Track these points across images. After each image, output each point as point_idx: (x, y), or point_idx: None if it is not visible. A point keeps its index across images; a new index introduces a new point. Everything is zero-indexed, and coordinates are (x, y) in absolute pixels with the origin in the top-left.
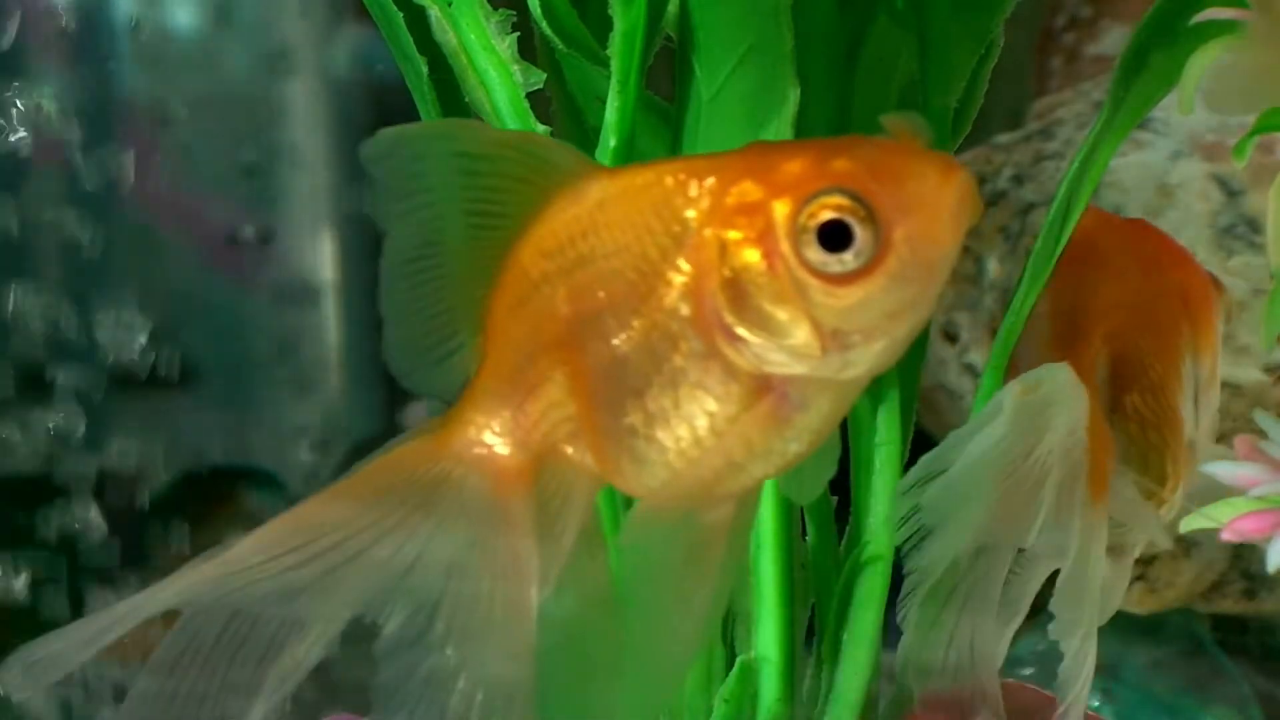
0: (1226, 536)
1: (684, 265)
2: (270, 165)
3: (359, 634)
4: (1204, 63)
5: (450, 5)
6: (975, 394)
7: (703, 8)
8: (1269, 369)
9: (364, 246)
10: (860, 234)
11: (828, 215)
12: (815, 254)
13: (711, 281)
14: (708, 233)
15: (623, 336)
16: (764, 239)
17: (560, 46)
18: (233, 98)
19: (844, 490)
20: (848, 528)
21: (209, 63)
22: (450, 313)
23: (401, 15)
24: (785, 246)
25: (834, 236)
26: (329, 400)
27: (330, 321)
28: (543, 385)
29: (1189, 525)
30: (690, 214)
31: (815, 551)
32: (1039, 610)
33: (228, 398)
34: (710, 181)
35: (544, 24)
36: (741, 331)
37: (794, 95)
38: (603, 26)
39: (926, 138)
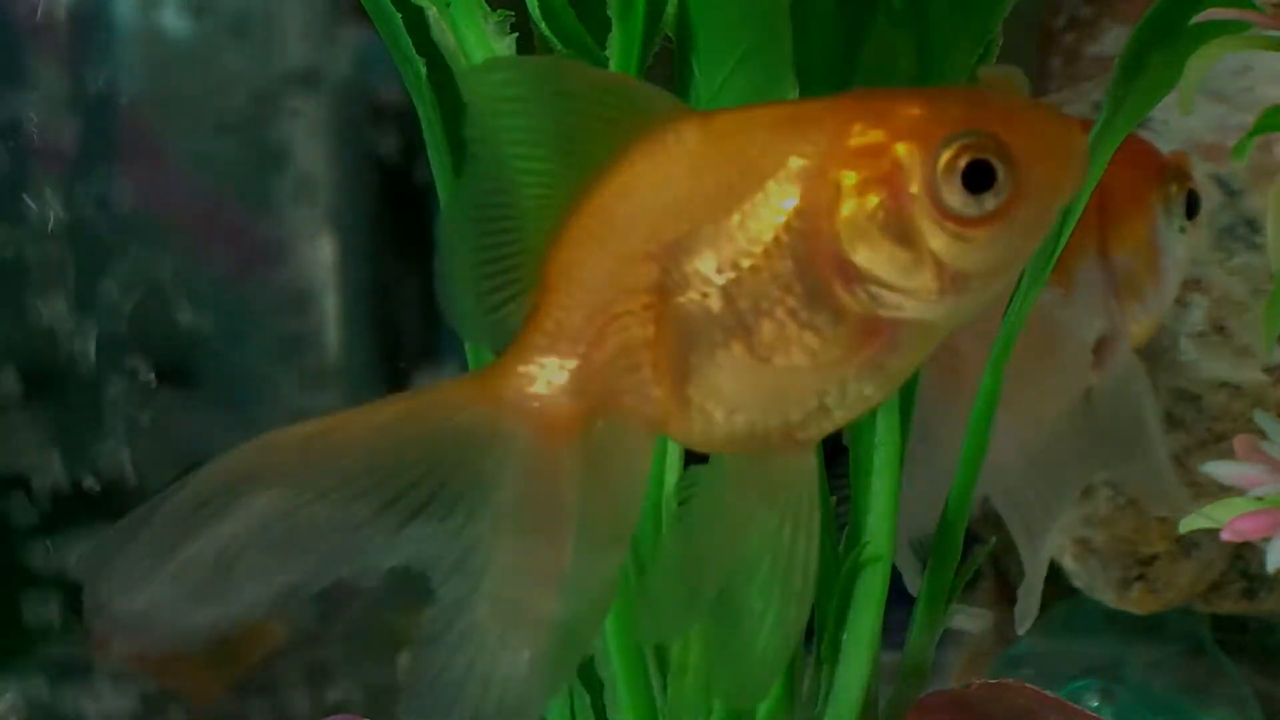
0: (1226, 536)
1: (799, 206)
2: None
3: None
4: (1204, 63)
5: (449, 6)
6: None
7: (702, 9)
8: (1269, 369)
9: (369, 250)
10: (1003, 176)
11: (971, 157)
12: (956, 196)
13: (830, 223)
14: (829, 174)
15: (727, 277)
16: (890, 180)
17: (559, 47)
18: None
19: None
20: (847, 528)
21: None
22: (517, 253)
23: (400, 16)
24: (917, 188)
25: (973, 179)
26: (333, 402)
27: (334, 324)
28: (615, 332)
29: (1189, 525)
30: (805, 154)
31: None
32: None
33: (236, 399)
34: (825, 123)
35: (543, 24)
36: (861, 273)
37: (793, 96)
38: (602, 26)
39: (1026, 90)
